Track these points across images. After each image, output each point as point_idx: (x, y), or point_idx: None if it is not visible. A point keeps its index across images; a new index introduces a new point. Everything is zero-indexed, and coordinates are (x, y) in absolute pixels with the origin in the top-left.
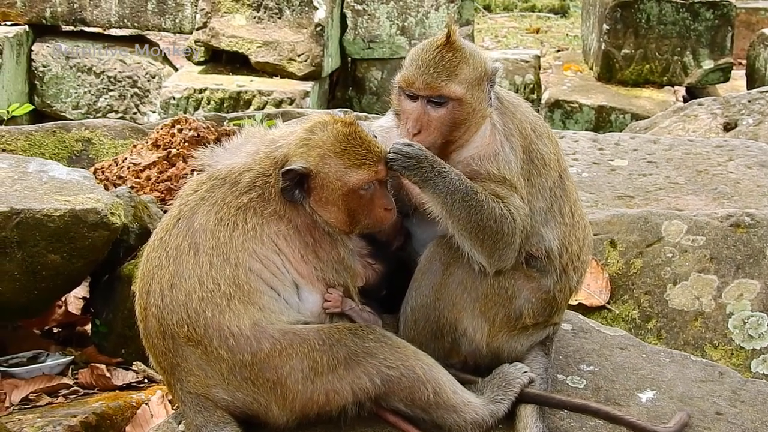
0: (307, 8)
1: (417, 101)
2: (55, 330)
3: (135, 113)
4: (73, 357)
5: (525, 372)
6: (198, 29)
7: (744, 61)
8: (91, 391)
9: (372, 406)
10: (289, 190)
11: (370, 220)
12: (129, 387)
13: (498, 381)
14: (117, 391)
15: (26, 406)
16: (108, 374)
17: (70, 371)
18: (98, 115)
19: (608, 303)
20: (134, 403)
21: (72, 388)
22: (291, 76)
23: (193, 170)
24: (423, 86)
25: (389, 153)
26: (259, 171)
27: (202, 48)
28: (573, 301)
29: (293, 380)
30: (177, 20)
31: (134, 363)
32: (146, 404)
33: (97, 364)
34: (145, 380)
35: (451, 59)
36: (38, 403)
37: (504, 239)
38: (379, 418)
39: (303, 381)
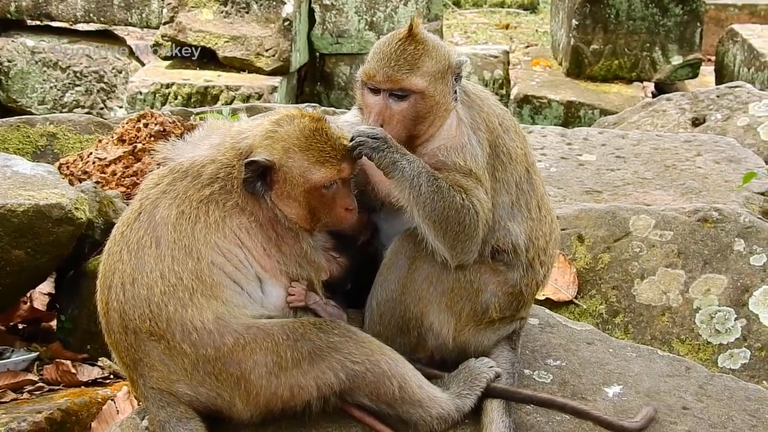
0: (274, 3)
1: (379, 95)
2: (20, 326)
3: (102, 108)
4: (38, 353)
5: (491, 367)
6: (165, 24)
7: (713, 57)
8: (57, 387)
9: (337, 402)
10: (250, 182)
11: (331, 219)
12: (95, 383)
13: (464, 375)
14: (82, 387)
15: None
16: (73, 370)
17: (35, 367)
18: (64, 110)
19: (576, 298)
20: (100, 399)
21: (37, 384)
22: (259, 71)
23: (159, 164)
24: (384, 79)
25: (355, 138)
26: (222, 162)
27: (169, 43)
28: (540, 296)
29: (257, 375)
30: (143, 15)
31: (100, 359)
32: (112, 400)
33: (63, 360)
34: (111, 376)
35: (413, 52)
36: (3, 399)
37: (466, 231)
38: (344, 413)
39: (267, 376)
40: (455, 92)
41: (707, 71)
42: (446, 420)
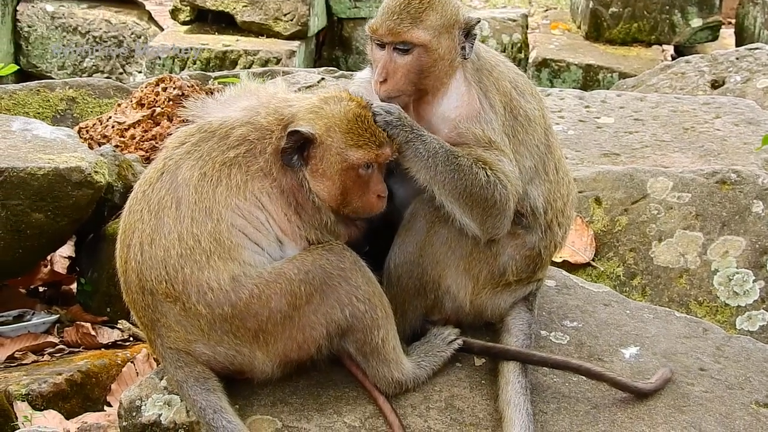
0: None
1: (384, 49)
2: (41, 289)
3: (121, 73)
4: (58, 316)
5: (451, 342)
6: None
7: (733, 20)
8: (77, 350)
9: (339, 344)
10: (288, 153)
11: (361, 203)
12: (114, 345)
13: (425, 348)
14: (102, 349)
15: (12, 365)
16: (93, 333)
17: (55, 330)
18: (84, 75)
19: (593, 260)
20: (119, 362)
21: (57, 347)
22: (277, 35)
23: (186, 121)
24: (387, 32)
25: (372, 110)
26: (259, 125)
27: (188, 7)
28: (558, 258)
29: (273, 323)
30: None
31: (119, 321)
32: (131, 362)
33: (83, 323)
34: (131, 338)
35: (417, 6)
36: (24, 362)
37: (497, 206)
38: (341, 365)
39: (282, 322)
40: (463, 49)
41: (727, 34)
42: (401, 386)
